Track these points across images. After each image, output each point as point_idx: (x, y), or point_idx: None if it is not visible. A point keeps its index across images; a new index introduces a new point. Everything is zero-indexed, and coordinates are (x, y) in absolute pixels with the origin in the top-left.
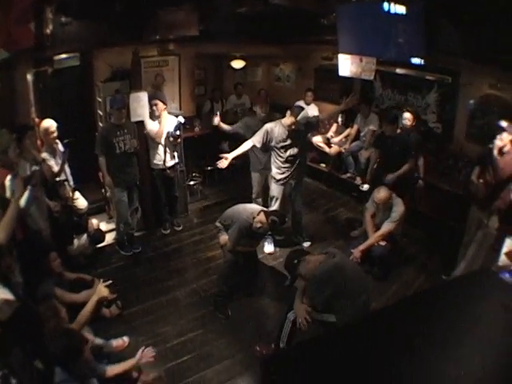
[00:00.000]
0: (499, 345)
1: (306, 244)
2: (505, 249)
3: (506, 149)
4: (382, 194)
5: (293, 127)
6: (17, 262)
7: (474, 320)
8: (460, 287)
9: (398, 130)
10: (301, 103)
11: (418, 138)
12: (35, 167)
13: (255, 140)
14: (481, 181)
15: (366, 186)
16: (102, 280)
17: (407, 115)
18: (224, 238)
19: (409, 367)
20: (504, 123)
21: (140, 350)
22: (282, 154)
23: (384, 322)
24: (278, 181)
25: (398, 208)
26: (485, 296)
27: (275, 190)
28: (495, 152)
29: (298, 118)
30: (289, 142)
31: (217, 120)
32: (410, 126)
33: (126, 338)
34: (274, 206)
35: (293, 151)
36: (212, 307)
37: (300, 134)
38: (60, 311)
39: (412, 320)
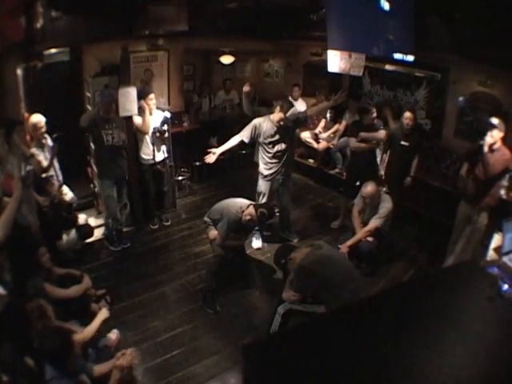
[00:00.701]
0: (483, 335)
1: (295, 240)
2: (493, 244)
3: (496, 146)
4: (369, 188)
5: (281, 123)
6: (6, 259)
7: (458, 311)
8: (444, 279)
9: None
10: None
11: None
12: (29, 167)
13: (243, 135)
14: (470, 177)
15: None
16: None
17: (408, 114)
18: (213, 232)
19: (392, 358)
20: (495, 120)
21: (119, 353)
22: (269, 150)
23: (369, 312)
24: (265, 176)
25: (386, 204)
26: (469, 287)
27: (262, 185)
28: (486, 149)
29: (287, 114)
30: (277, 137)
31: (246, 88)
32: (411, 125)
33: (115, 331)
34: (261, 202)
35: (280, 147)
36: (200, 302)
37: (288, 130)
38: (47, 310)
39: (396, 311)
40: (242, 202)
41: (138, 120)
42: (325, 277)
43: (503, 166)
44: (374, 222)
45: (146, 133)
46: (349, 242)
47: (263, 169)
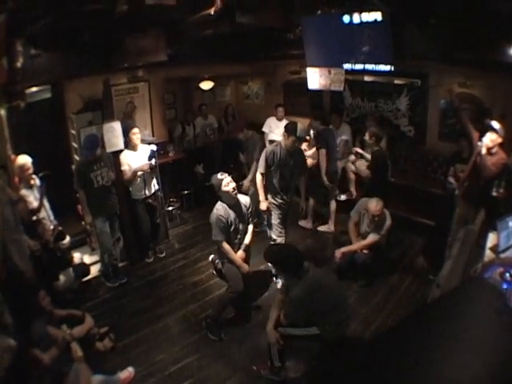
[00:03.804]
0: (495, 344)
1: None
2: (489, 244)
3: (494, 150)
4: (378, 206)
5: (296, 145)
6: (5, 304)
7: (472, 326)
8: (456, 299)
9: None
10: (272, 119)
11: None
12: None
13: (261, 168)
14: (467, 178)
15: (343, 196)
16: None
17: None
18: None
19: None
20: (496, 124)
21: None
22: (279, 178)
23: (392, 342)
24: (278, 206)
25: (386, 222)
26: (479, 303)
27: (275, 216)
28: (484, 151)
29: (298, 133)
30: (290, 162)
31: None
32: (373, 143)
33: (131, 369)
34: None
35: (291, 172)
36: (204, 331)
37: (297, 153)
38: None
39: (418, 335)
40: None
41: (124, 167)
42: (319, 300)
43: (500, 169)
44: (373, 237)
45: (131, 183)
46: (343, 249)
47: (272, 198)
